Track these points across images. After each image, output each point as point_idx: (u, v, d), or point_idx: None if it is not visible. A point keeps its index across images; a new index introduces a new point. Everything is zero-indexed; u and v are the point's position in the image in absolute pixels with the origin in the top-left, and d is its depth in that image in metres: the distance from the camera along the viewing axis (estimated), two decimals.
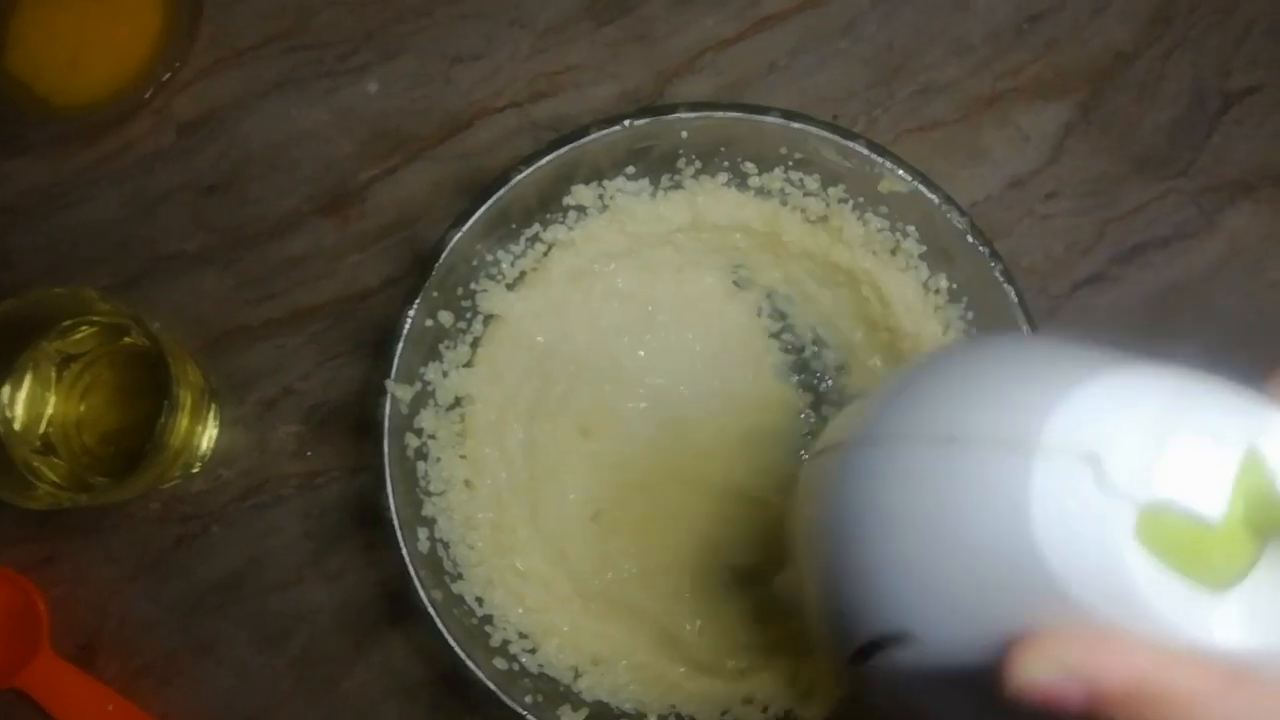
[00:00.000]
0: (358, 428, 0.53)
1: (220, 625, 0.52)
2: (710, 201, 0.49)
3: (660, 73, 0.57)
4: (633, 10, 0.57)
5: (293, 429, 0.53)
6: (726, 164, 0.48)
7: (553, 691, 0.45)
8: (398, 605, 0.51)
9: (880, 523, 0.25)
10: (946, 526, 0.24)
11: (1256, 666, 0.21)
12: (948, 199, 0.46)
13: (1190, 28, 0.57)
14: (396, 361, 0.44)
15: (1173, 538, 0.22)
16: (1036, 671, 0.22)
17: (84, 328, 0.49)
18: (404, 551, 0.43)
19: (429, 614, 0.43)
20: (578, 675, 0.46)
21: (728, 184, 0.49)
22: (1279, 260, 0.55)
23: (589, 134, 0.45)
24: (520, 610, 0.46)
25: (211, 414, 0.52)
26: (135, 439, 0.50)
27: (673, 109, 0.46)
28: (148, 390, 0.50)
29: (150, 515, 0.53)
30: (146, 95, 0.53)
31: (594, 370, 0.51)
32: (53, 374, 0.50)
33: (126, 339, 0.50)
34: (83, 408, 0.51)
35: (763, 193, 0.49)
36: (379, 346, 0.53)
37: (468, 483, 0.48)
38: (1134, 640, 0.21)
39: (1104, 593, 0.22)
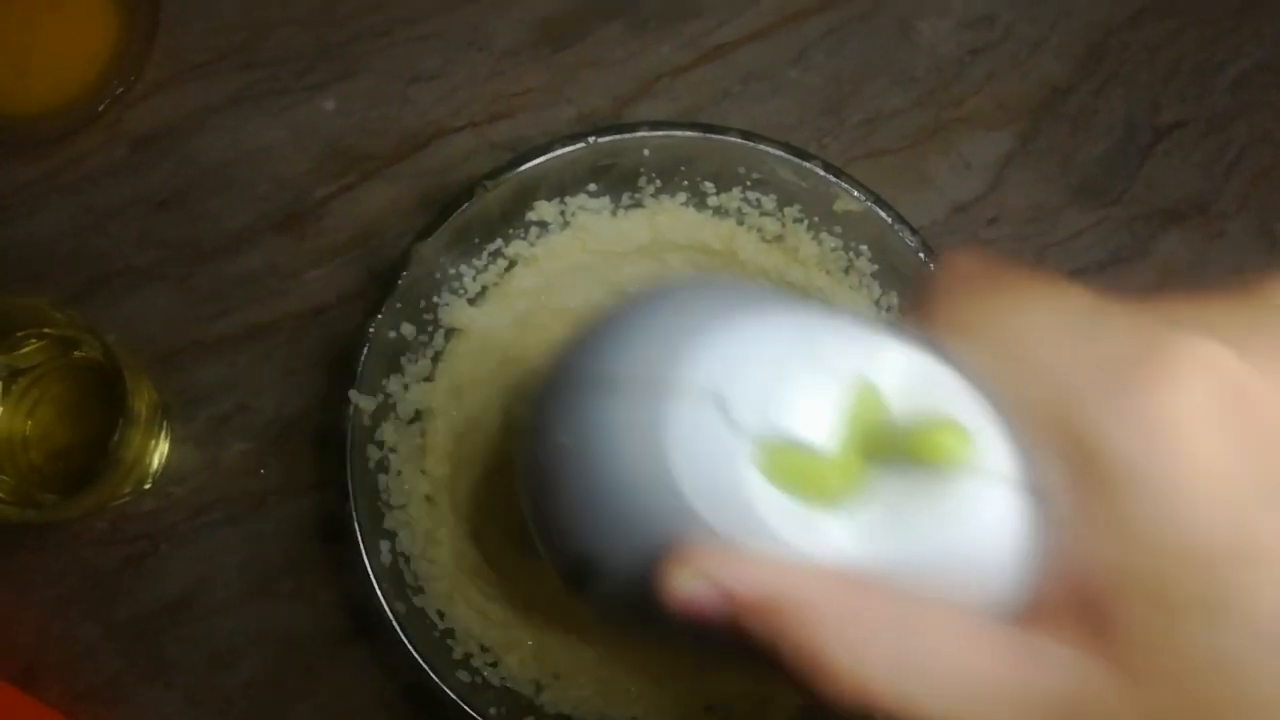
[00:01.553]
0: (313, 445, 0.53)
1: (169, 647, 0.51)
2: (669, 220, 0.50)
3: (616, 97, 0.58)
4: (588, 36, 0.58)
5: (246, 446, 0.53)
6: (686, 183, 0.49)
7: (515, 705, 0.44)
8: (354, 624, 0.51)
9: (561, 460, 0.27)
10: (608, 464, 0.25)
11: (868, 575, 0.23)
12: (900, 218, 0.47)
13: (1122, 64, 0.60)
14: (360, 372, 0.44)
15: (788, 466, 0.24)
16: (680, 583, 0.23)
17: (33, 341, 0.48)
18: (366, 563, 0.43)
19: (391, 626, 0.43)
20: (540, 689, 0.46)
21: (686, 203, 0.50)
22: (1207, 284, 0.58)
23: (553, 150, 0.46)
24: (482, 624, 0.46)
25: (163, 431, 0.51)
26: (85, 456, 0.49)
27: (635, 127, 0.46)
28: (98, 406, 0.49)
29: (97, 535, 0.51)
30: (99, 109, 0.53)
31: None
32: (0, 389, 0.49)
33: (77, 353, 0.49)
34: (30, 424, 0.49)
35: (720, 212, 0.50)
36: (335, 363, 0.53)
37: (429, 498, 0.47)
38: (762, 557, 0.23)
39: (733, 518, 0.24)
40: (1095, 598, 0.21)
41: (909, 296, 0.26)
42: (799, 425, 0.24)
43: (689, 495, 0.24)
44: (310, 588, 0.51)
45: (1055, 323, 0.22)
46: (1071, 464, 0.21)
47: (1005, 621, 0.23)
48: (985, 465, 0.23)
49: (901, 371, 0.24)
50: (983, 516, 0.23)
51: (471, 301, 0.49)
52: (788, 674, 0.23)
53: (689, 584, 0.23)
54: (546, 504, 0.28)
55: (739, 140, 0.47)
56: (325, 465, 0.52)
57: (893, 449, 0.24)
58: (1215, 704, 0.20)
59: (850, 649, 0.22)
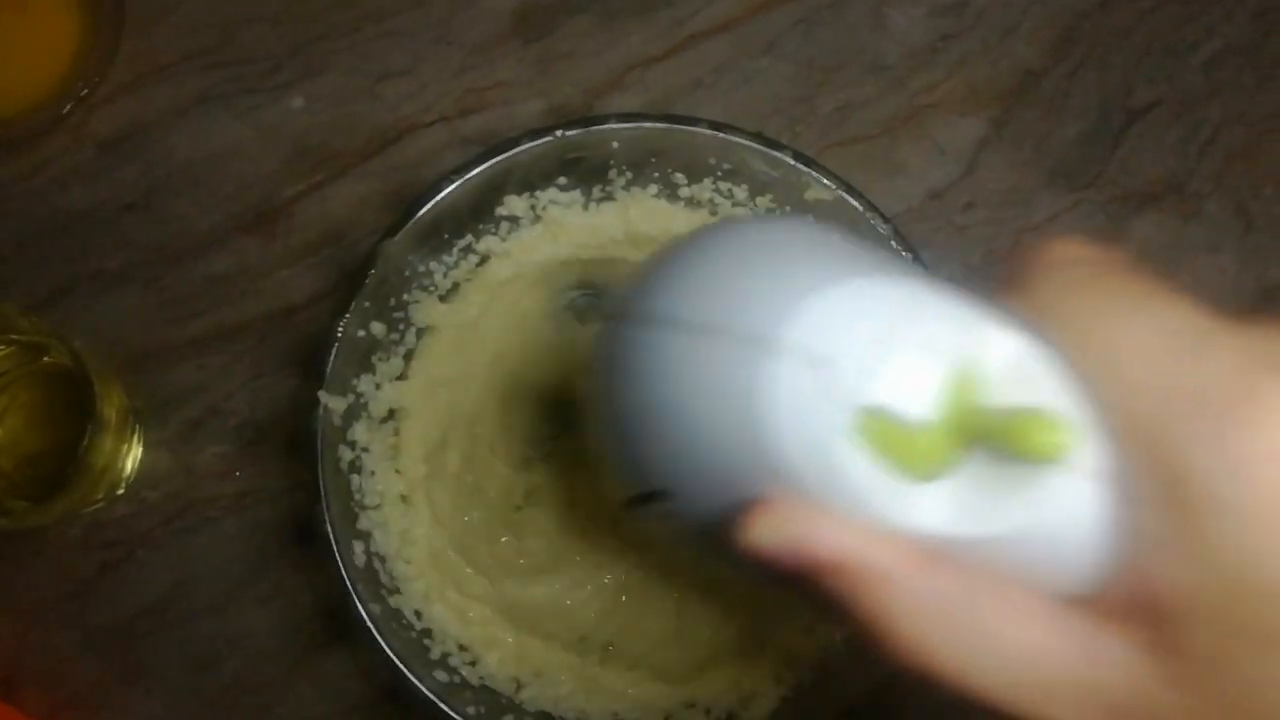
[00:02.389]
0: (287, 447, 0.52)
1: (147, 653, 0.50)
2: (641, 212, 0.50)
3: (587, 90, 0.57)
4: (559, 29, 0.58)
5: (220, 449, 0.52)
6: (657, 175, 0.49)
7: (495, 704, 0.44)
8: (332, 625, 0.51)
9: (643, 394, 0.28)
10: (695, 405, 0.26)
11: (949, 552, 0.24)
12: (871, 206, 0.47)
13: (1094, 47, 0.60)
14: (329, 372, 0.43)
15: (885, 437, 0.24)
16: (761, 535, 0.24)
17: (0, 347, 0.48)
18: (340, 564, 0.42)
19: (367, 628, 0.42)
20: (520, 687, 0.45)
21: (658, 195, 0.49)
22: (1183, 266, 0.58)
23: (521, 144, 0.45)
24: (460, 623, 0.46)
25: (135, 435, 0.50)
26: (55, 462, 0.48)
27: (604, 119, 0.46)
28: (68, 411, 0.49)
29: (72, 541, 0.51)
30: (64, 111, 0.52)
31: (519, 390, 0.51)
32: None
33: (46, 358, 0.49)
34: (0, 432, 0.49)
35: (693, 203, 0.50)
36: (307, 364, 0.52)
37: (404, 498, 0.47)
38: (846, 520, 0.24)
39: (819, 478, 0.24)
40: (1161, 611, 0.22)
41: (1007, 271, 0.26)
42: (900, 397, 0.24)
43: (778, 451, 0.24)
44: (288, 590, 0.51)
45: (1160, 337, 0.23)
46: (1157, 481, 0.22)
47: (1072, 612, 0.23)
48: (1078, 461, 0.23)
49: (1003, 355, 0.25)
50: (1066, 509, 0.23)
51: (443, 298, 0.49)
52: (855, 631, 0.24)
53: (770, 536, 0.24)
54: (618, 430, 0.29)
55: (709, 131, 0.46)
56: (299, 467, 0.51)
57: (987, 433, 0.24)
58: None
59: (918, 622, 0.23)
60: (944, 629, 0.23)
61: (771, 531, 0.24)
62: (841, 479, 0.24)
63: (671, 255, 0.29)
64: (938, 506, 0.24)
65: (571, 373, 0.51)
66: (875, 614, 0.23)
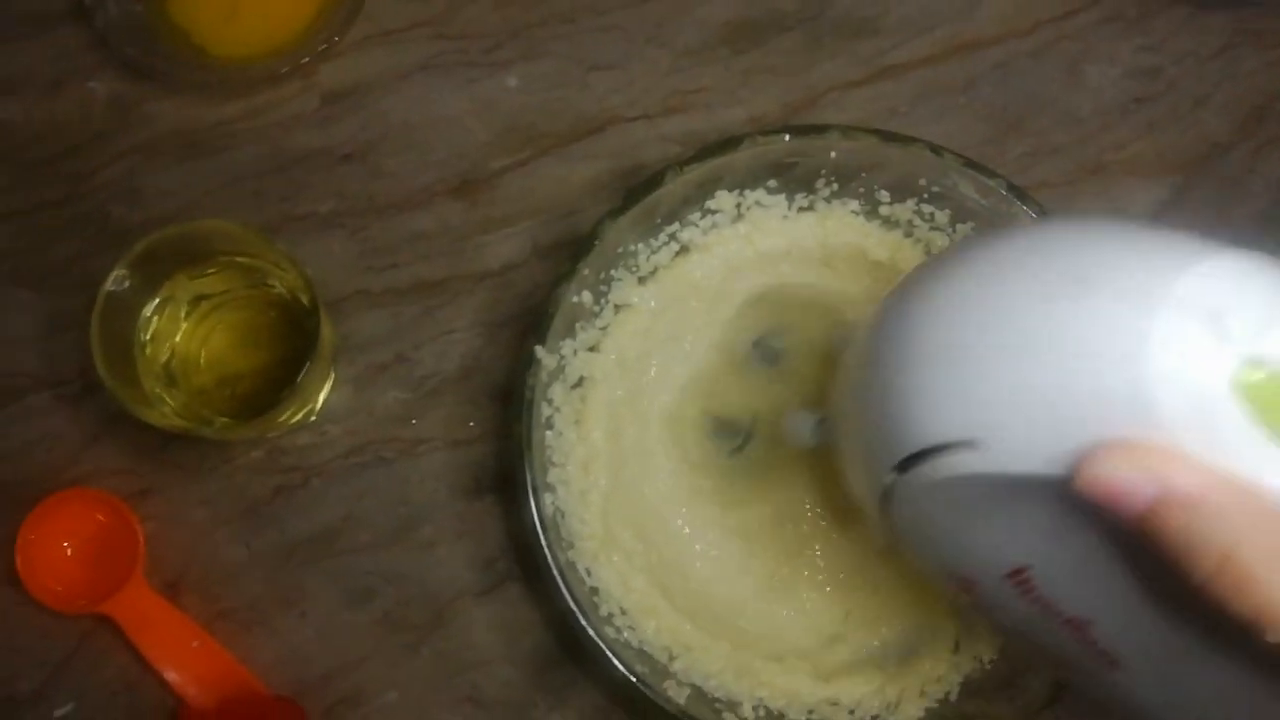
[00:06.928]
0: (462, 402, 0.54)
1: (307, 578, 0.53)
2: (837, 225, 0.51)
3: (786, 104, 0.59)
4: (766, 44, 0.60)
5: (401, 395, 0.54)
6: (862, 190, 0.51)
7: (655, 668, 0.46)
8: (482, 580, 0.52)
9: (973, 338, 0.28)
10: (1054, 354, 0.27)
11: None
12: None
13: None
14: (550, 330, 0.45)
15: (1269, 397, 0.25)
16: (1116, 468, 0.25)
17: (219, 268, 0.50)
18: (534, 510, 0.44)
19: (524, 581, 0.44)
20: (672, 657, 0.47)
21: (858, 211, 0.51)
22: None
23: (753, 141, 0.47)
24: (622, 589, 0.47)
25: (331, 370, 0.53)
26: (251, 384, 0.51)
27: (827, 128, 0.48)
28: (270, 338, 0.51)
29: (252, 463, 0.53)
30: (303, 60, 0.55)
31: (708, 378, 0.53)
32: (183, 310, 0.51)
33: (261, 285, 0.51)
34: (204, 350, 0.52)
35: (890, 223, 0.51)
36: (492, 326, 0.55)
37: (585, 467, 0.49)
38: (1209, 466, 0.25)
39: (1196, 432, 0.25)
40: None
41: None
42: None
43: (1161, 402, 0.25)
44: (445, 540, 0.53)
45: None
46: None
47: None
48: None
49: None
50: None
51: (641, 281, 0.51)
52: (1176, 577, 0.24)
53: (1123, 471, 0.25)
54: (916, 375, 0.29)
55: (926, 152, 0.48)
56: (474, 421, 0.54)
57: None
58: None
59: (1269, 563, 0.23)
60: None
61: (1131, 464, 0.25)
62: (1216, 432, 0.25)
63: (1028, 226, 0.31)
64: None
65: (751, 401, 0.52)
66: (1226, 551, 0.23)
